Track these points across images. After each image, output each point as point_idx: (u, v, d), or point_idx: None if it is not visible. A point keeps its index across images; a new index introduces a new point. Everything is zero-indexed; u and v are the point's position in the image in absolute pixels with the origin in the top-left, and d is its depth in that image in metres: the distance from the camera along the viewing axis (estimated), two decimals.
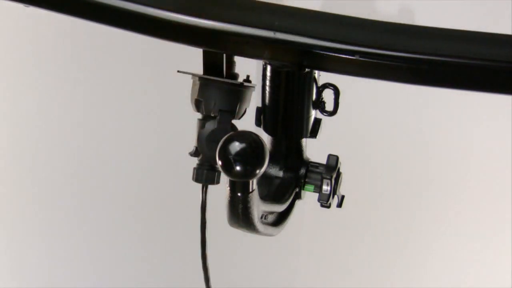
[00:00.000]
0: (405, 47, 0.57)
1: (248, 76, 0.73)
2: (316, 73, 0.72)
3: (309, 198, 0.82)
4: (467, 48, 0.56)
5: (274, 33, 0.58)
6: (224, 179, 0.60)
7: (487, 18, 1.28)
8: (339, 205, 0.80)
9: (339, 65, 0.60)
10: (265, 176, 0.79)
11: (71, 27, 1.45)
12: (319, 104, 0.74)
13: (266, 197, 0.75)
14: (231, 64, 0.71)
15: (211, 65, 0.70)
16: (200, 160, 0.71)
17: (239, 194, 0.61)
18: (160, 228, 1.62)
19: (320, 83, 0.73)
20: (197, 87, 0.70)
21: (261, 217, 0.72)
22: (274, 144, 0.79)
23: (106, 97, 1.53)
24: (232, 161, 0.55)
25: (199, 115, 0.71)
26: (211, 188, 0.72)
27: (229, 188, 0.61)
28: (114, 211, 1.62)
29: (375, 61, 0.57)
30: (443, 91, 0.59)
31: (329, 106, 0.74)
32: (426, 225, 1.50)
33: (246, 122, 0.70)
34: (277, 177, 0.80)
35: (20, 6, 0.66)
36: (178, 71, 0.71)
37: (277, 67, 0.69)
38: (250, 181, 0.60)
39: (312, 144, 0.80)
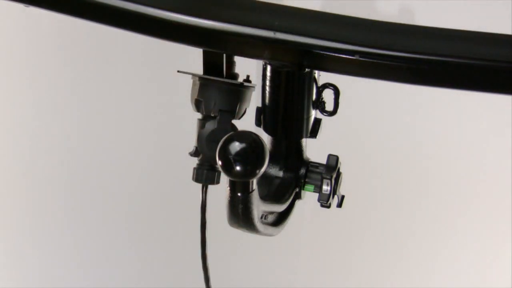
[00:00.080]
0: (405, 47, 0.57)
1: (248, 76, 0.73)
2: (316, 73, 0.72)
3: (309, 198, 0.82)
4: (467, 48, 0.56)
5: (274, 33, 0.58)
6: (224, 179, 0.60)
7: (487, 18, 1.28)
8: (339, 205, 0.80)
9: (339, 65, 0.60)
10: (265, 176, 0.79)
11: (71, 27, 1.45)
12: (319, 104, 0.74)
13: (266, 197, 0.75)
14: (231, 64, 0.71)
15: (211, 65, 0.70)
16: (200, 160, 0.71)
17: (239, 194, 0.61)
18: (160, 228, 1.62)
19: (320, 83, 0.73)
20: (197, 87, 0.70)
21: (261, 217, 0.72)
22: (274, 144, 0.78)
23: (106, 97, 1.53)
24: (232, 161, 0.55)
25: (199, 115, 0.71)
26: (211, 188, 0.72)
27: (229, 188, 0.61)
28: (114, 211, 1.62)
29: (375, 61, 0.57)
30: (443, 91, 0.59)
31: (329, 106, 0.74)
32: (426, 225, 1.50)
33: (246, 122, 0.70)
34: (277, 177, 0.80)
35: (20, 6, 0.66)
36: (178, 71, 0.71)
37: (277, 67, 0.69)
38: (250, 181, 0.60)
39: (312, 144, 0.80)
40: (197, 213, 0.72)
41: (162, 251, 1.64)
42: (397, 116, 1.44)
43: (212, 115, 0.69)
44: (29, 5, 0.66)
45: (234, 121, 0.70)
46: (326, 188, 0.77)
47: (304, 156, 0.81)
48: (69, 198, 1.61)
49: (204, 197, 0.72)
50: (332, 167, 0.77)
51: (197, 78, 0.70)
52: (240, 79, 0.72)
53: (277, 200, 0.77)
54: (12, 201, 1.63)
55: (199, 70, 0.70)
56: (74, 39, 1.48)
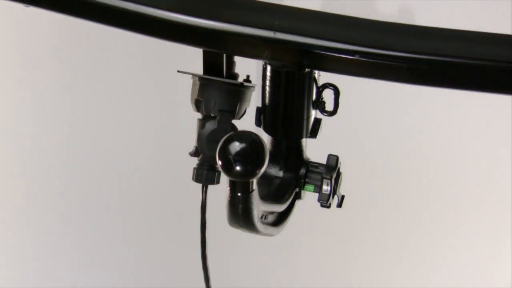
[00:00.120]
0: (405, 47, 0.57)
1: (248, 76, 0.73)
2: (316, 73, 0.72)
3: (309, 198, 0.82)
4: (467, 48, 0.56)
5: (274, 33, 0.58)
6: (224, 179, 0.60)
7: (487, 18, 1.28)
8: (339, 205, 0.80)
9: (339, 65, 0.60)
10: (265, 176, 0.79)
11: (71, 27, 1.45)
12: (319, 104, 0.74)
13: (266, 197, 0.75)
14: (231, 64, 0.71)
15: (211, 65, 0.70)
16: (200, 160, 0.71)
17: (239, 194, 0.61)
18: (160, 228, 1.62)
19: (320, 83, 0.73)
20: (197, 87, 0.70)
21: (261, 217, 0.72)
22: (274, 144, 0.78)
23: (106, 97, 1.53)
24: (232, 161, 0.55)
25: (199, 115, 0.71)
26: (211, 188, 0.72)
27: (229, 188, 0.61)
28: (114, 211, 1.62)
29: (375, 61, 0.57)
30: (443, 91, 0.59)
31: (329, 106, 0.74)
32: (426, 225, 1.50)
33: (246, 122, 0.70)
34: (277, 177, 0.80)
35: (20, 6, 0.66)
36: (178, 71, 0.71)
37: (277, 67, 0.69)
38: (250, 181, 0.60)
39: (312, 144, 0.80)
40: (197, 213, 0.72)
41: (162, 251, 1.64)
42: (397, 116, 1.44)
43: (212, 115, 0.69)
44: (29, 5, 0.66)
45: (234, 121, 0.70)
46: (326, 188, 0.77)
47: (304, 156, 0.81)
48: (69, 198, 1.61)
49: (204, 197, 0.72)
50: (332, 167, 0.77)
51: (197, 78, 0.70)
52: (240, 79, 0.72)
53: (277, 200, 0.77)
54: (12, 201, 1.63)
55: (199, 70, 0.70)
56: (74, 39, 1.48)
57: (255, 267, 1.62)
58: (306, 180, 0.80)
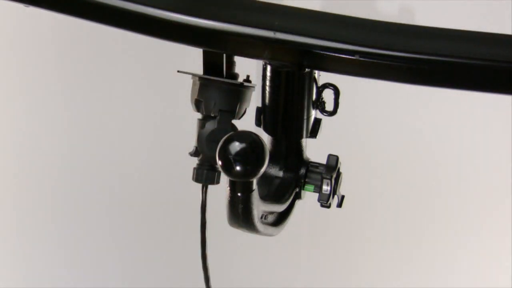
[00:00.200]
0: (405, 47, 0.57)
1: (248, 76, 0.73)
2: (316, 73, 0.72)
3: (309, 198, 0.82)
4: (467, 48, 0.56)
5: (274, 33, 0.58)
6: (224, 179, 0.60)
7: (487, 18, 1.28)
8: (339, 205, 0.80)
9: (339, 65, 0.60)
10: (265, 176, 0.79)
11: (71, 27, 1.45)
12: (319, 104, 0.74)
13: (266, 197, 0.75)
14: (231, 64, 0.71)
15: (211, 65, 0.70)
16: (200, 160, 0.71)
17: (239, 194, 0.61)
18: (160, 228, 1.62)
19: (320, 83, 0.73)
20: (197, 87, 0.70)
21: (261, 217, 0.72)
22: (274, 144, 0.78)
23: (106, 97, 1.53)
24: (232, 161, 0.55)
25: (199, 115, 0.71)
26: (211, 188, 0.72)
27: (229, 188, 0.61)
28: (114, 211, 1.62)
29: (375, 61, 0.57)
30: (443, 91, 0.59)
31: (329, 106, 0.74)
32: (426, 225, 1.50)
33: (246, 122, 0.70)
34: (277, 177, 0.80)
35: (20, 6, 0.66)
36: (178, 71, 0.71)
37: (277, 67, 0.69)
38: (250, 181, 0.60)
39: (312, 144, 0.80)
40: (197, 213, 0.72)
41: (162, 251, 1.64)
42: (397, 116, 1.44)
43: (212, 115, 0.69)
44: (29, 5, 0.66)
45: (234, 121, 0.70)
46: (326, 188, 0.77)
47: (304, 156, 0.81)
48: (69, 198, 1.61)
49: (204, 197, 0.72)
50: (332, 167, 0.77)
51: (197, 78, 0.70)
52: (240, 79, 0.72)
53: (277, 200, 0.77)
54: (13, 201, 1.63)
55: (199, 70, 0.70)
56: (75, 39, 1.48)
57: (255, 267, 1.62)
58: (306, 180, 0.80)
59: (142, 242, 1.64)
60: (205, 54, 0.69)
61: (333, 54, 0.58)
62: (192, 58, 0.69)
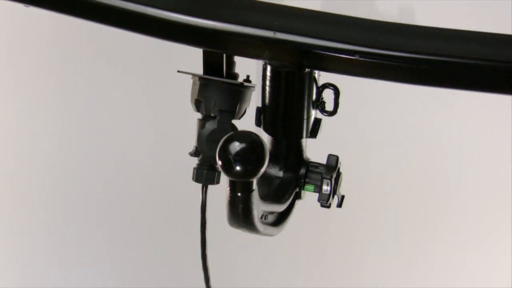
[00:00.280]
0: (405, 47, 0.57)
1: (248, 76, 0.73)
2: (316, 73, 0.72)
3: (309, 198, 0.82)
4: (467, 48, 0.56)
5: (274, 33, 0.58)
6: (224, 179, 0.60)
7: (487, 18, 1.28)
8: (339, 205, 0.80)
9: (339, 65, 0.60)
10: (265, 176, 0.79)
11: (71, 27, 1.45)
12: (319, 104, 0.74)
13: (266, 197, 0.75)
14: (231, 64, 0.71)
15: (211, 65, 0.70)
16: (200, 160, 0.71)
17: (239, 194, 0.61)
18: (160, 228, 1.62)
19: (320, 83, 0.73)
20: (197, 87, 0.70)
21: (261, 217, 0.72)
22: (274, 144, 0.78)
23: (106, 97, 1.53)
24: (232, 161, 0.55)
25: (199, 115, 0.71)
26: (211, 188, 0.72)
27: (229, 188, 0.61)
28: (114, 211, 1.62)
29: (375, 61, 0.57)
30: (443, 91, 0.59)
31: (329, 106, 0.74)
32: (426, 225, 1.50)
33: (246, 122, 0.70)
34: (277, 177, 0.80)
35: (20, 6, 0.66)
36: (178, 71, 0.71)
37: (277, 67, 0.69)
38: (250, 181, 0.60)
39: (312, 144, 0.80)
40: (197, 213, 0.72)
41: (162, 251, 1.64)
42: (397, 116, 1.44)
43: (212, 115, 0.69)
44: (29, 5, 0.66)
45: (234, 121, 0.70)
46: (326, 188, 0.77)
47: (304, 156, 0.81)
48: (69, 198, 1.61)
49: (204, 197, 0.72)
50: (332, 167, 0.77)
51: (197, 78, 0.70)
52: (240, 79, 0.72)
53: (277, 200, 0.77)
54: (12, 201, 1.63)
55: (199, 70, 0.70)
56: (75, 39, 1.48)
57: (255, 267, 1.62)
58: (306, 180, 0.80)
59: (142, 242, 1.64)
60: (205, 54, 0.69)
61: (333, 54, 0.58)
62: (192, 58, 0.69)
